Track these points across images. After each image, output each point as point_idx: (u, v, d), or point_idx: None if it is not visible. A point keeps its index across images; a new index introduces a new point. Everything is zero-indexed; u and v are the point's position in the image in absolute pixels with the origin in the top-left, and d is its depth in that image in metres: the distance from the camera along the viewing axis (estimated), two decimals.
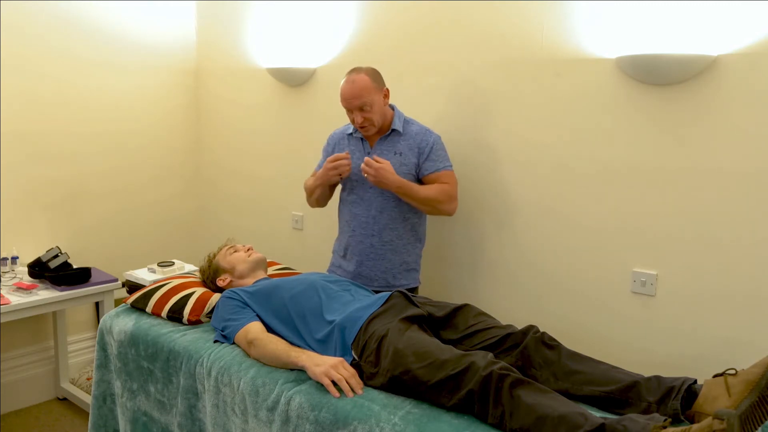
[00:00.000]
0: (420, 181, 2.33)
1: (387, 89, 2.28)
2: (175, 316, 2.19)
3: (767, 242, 1.89)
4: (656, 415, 1.45)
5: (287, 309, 2.00)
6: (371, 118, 2.24)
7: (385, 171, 2.18)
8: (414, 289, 2.40)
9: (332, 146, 2.46)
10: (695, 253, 2.02)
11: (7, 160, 2.91)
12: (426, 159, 2.29)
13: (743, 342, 1.95)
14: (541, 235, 2.35)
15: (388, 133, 2.32)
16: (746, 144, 1.89)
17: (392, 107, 2.36)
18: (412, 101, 2.55)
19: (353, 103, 2.21)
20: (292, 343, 1.93)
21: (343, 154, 2.29)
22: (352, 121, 2.28)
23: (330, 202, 2.55)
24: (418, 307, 1.94)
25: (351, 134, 2.39)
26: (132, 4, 3.24)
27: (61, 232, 3.13)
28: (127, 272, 2.93)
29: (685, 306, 2.05)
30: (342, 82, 2.25)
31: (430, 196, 2.25)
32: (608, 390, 1.63)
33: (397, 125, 2.31)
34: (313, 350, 1.90)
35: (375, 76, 2.25)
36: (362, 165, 2.21)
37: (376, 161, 2.19)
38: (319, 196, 2.45)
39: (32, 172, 3.01)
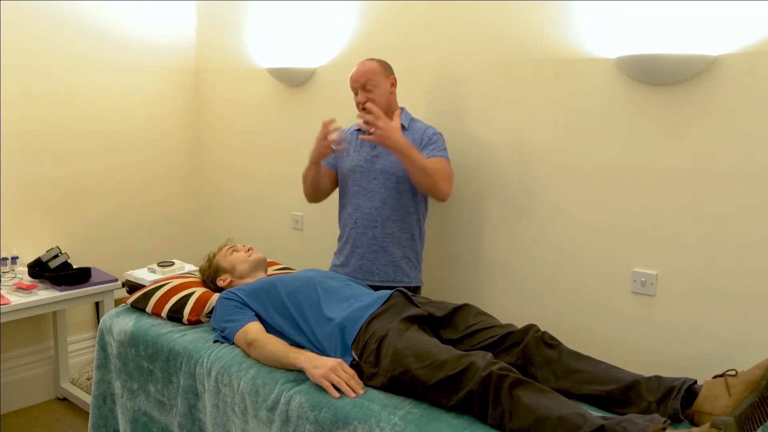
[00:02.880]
0: None
1: (395, 78, 2.34)
2: (175, 316, 2.19)
3: (767, 242, 1.89)
4: (656, 416, 1.45)
5: (286, 305, 2.00)
6: (374, 99, 2.26)
7: (394, 129, 2.15)
8: (417, 289, 2.40)
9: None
10: (695, 253, 2.02)
11: (7, 160, 2.91)
12: (423, 147, 2.30)
13: (743, 343, 1.95)
14: (541, 235, 2.35)
15: None
16: (746, 144, 1.89)
17: (401, 108, 2.38)
18: (412, 101, 2.55)
19: (358, 81, 2.28)
20: (293, 340, 1.94)
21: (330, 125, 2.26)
22: (357, 104, 2.30)
23: (332, 204, 2.55)
24: (418, 307, 1.94)
25: (358, 130, 2.41)
26: (132, 4, 3.24)
27: (61, 232, 3.13)
28: (127, 272, 2.93)
29: (685, 306, 2.05)
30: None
31: (429, 165, 2.21)
32: (608, 389, 1.63)
33: (403, 121, 2.35)
34: (314, 345, 1.91)
35: (384, 64, 2.33)
36: (364, 114, 2.16)
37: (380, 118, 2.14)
38: (313, 180, 2.41)
39: (32, 172, 3.01)
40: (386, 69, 2.32)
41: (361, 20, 2.77)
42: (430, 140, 2.31)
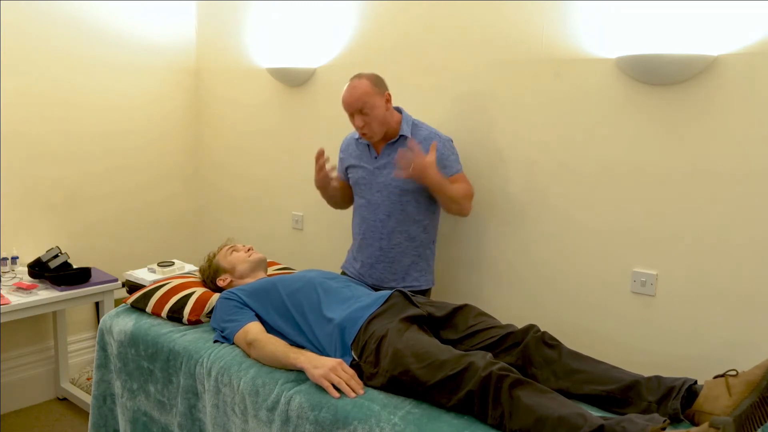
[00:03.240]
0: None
1: (389, 94, 2.27)
2: (175, 316, 2.19)
3: (767, 242, 1.89)
4: (656, 415, 1.45)
5: (286, 306, 2.00)
6: (371, 123, 2.23)
7: (430, 165, 2.14)
8: (427, 291, 2.40)
9: (342, 151, 2.48)
10: (695, 253, 2.02)
11: (7, 160, 2.91)
12: (442, 167, 2.24)
13: (743, 343, 1.95)
14: (541, 235, 2.35)
15: (395, 139, 2.30)
16: (746, 144, 1.89)
17: (400, 110, 2.35)
18: (412, 101, 2.54)
19: (353, 107, 2.22)
20: (293, 340, 1.94)
21: (319, 152, 2.31)
22: (356, 127, 2.28)
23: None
24: (417, 307, 1.94)
25: (358, 139, 2.40)
26: (132, 4, 3.24)
27: (61, 232, 3.13)
28: (127, 272, 2.93)
29: (685, 306, 2.05)
30: (344, 88, 2.26)
31: (459, 194, 2.24)
32: (608, 389, 1.63)
33: (405, 130, 2.29)
34: (314, 346, 1.90)
35: (376, 81, 2.25)
36: (403, 153, 2.15)
37: (417, 152, 2.13)
38: (327, 198, 2.50)
39: (32, 172, 3.01)
40: (379, 87, 2.23)
41: (361, 20, 2.77)
42: (444, 156, 2.26)
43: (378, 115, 2.22)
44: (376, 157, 2.34)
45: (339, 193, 2.49)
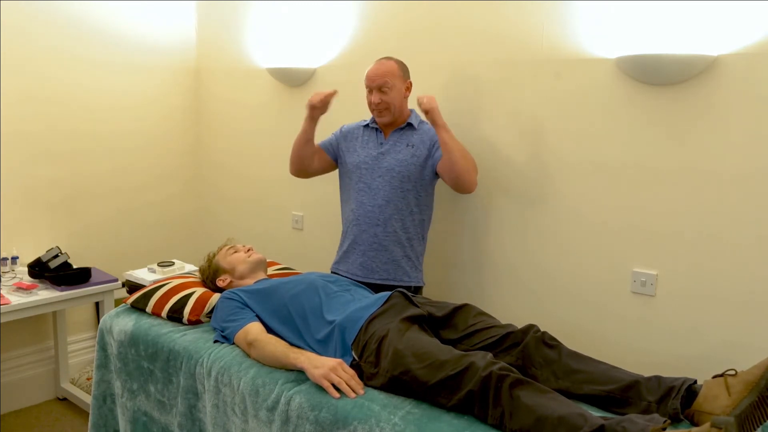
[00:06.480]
0: (435, 173, 2.34)
1: (410, 83, 2.35)
2: (175, 316, 2.19)
3: (767, 242, 1.89)
4: (656, 416, 1.45)
5: (287, 309, 2.00)
6: (388, 102, 2.29)
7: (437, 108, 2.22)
8: (418, 289, 2.40)
9: (344, 134, 2.48)
10: (695, 253, 2.02)
11: (7, 160, 2.91)
12: (437, 148, 2.31)
13: (743, 343, 1.95)
14: (541, 235, 2.35)
15: (403, 126, 2.37)
16: (746, 144, 1.89)
17: (410, 110, 2.41)
18: (412, 101, 2.54)
19: (375, 81, 2.29)
20: (292, 344, 1.93)
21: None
22: (370, 103, 2.33)
23: (332, 205, 2.54)
24: (418, 307, 1.94)
25: (366, 125, 2.43)
26: (132, 4, 3.24)
27: (61, 232, 3.13)
28: (127, 272, 2.93)
29: (685, 306, 2.05)
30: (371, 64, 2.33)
31: (466, 151, 2.27)
32: (608, 389, 1.64)
33: (413, 121, 2.37)
34: (314, 350, 1.90)
35: (402, 66, 2.34)
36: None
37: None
38: (298, 151, 2.47)
39: (32, 172, 3.01)
40: (404, 72, 2.33)
41: (361, 20, 2.77)
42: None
43: (395, 97, 2.30)
44: (382, 143, 2.37)
45: (311, 152, 2.47)
